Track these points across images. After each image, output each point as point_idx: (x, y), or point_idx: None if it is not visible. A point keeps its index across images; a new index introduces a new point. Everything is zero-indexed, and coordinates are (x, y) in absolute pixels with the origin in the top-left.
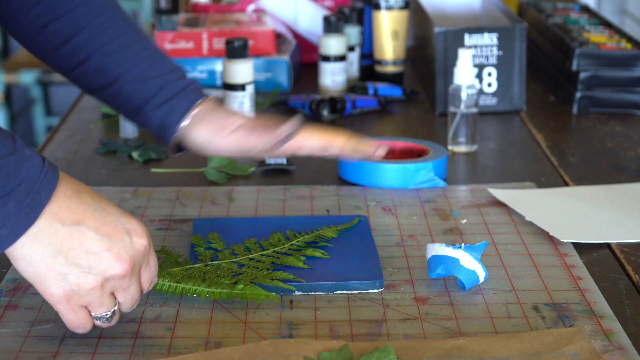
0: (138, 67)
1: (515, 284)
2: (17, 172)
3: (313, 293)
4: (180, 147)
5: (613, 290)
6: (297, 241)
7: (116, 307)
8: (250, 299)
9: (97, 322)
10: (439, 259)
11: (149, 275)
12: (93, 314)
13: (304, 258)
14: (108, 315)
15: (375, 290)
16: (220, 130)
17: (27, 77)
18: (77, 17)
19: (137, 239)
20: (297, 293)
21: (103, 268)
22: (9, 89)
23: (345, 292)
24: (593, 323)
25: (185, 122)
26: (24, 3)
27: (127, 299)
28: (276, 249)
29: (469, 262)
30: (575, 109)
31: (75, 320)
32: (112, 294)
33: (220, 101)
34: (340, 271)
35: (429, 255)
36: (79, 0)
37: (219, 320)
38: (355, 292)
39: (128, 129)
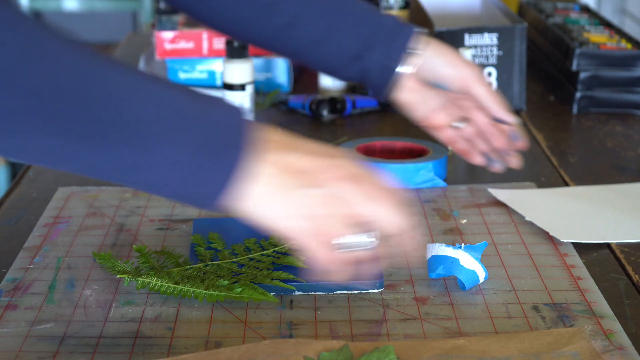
0: (347, 15)
1: (515, 284)
2: (226, 121)
3: (313, 293)
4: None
5: (613, 290)
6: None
7: (369, 233)
8: (248, 300)
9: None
10: (438, 259)
11: (368, 182)
12: (346, 239)
13: (304, 258)
14: (361, 238)
15: (375, 290)
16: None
17: None
18: None
19: (344, 158)
20: (297, 293)
21: (333, 180)
22: None
23: (345, 292)
24: (593, 323)
25: (405, 63)
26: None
27: (376, 205)
28: (276, 248)
29: (469, 262)
30: (575, 109)
31: (326, 254)
32: (354, 214)
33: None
34: None
35: (429, 256)
36: None
37: (219, 320)
38: (355, 292)
39: None
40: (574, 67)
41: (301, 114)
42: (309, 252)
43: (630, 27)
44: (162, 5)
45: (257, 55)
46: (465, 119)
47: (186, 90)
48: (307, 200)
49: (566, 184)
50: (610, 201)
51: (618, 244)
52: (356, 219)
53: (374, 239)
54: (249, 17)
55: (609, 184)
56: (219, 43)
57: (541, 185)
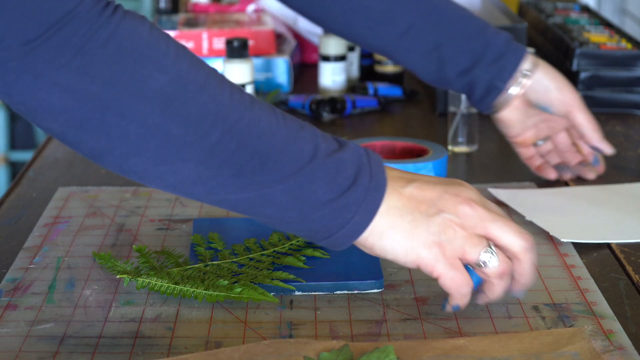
0: (457, 27)
1: None
2: (354, 160)
3: (313, 293)
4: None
5: (613, 290)
6: (297, 241)
7: (492, 247)
8: (248, 301)
9: (482, 270)
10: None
11: (490, 206)
12: (474, 260)
13: (304, 258)
14: (488, 257)
15: (375, 290)
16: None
17: None
18: None
19: (460, 185)
20: (297, 293)
21: (452, 205)
22: None
23: (345, 292)
24: (593, 323)
25: (513, 84)
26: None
27: (499, 226)
28: (276, 248)
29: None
30: None
31: (458, 277)
32: (478, 236)
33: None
34: (340, 271)
35: None
36: None
37: (219, 320)
38: (355, 292)
39: None
40: (574, 67)
41: (301, 114)
42: (440, 279)
43: (630, 27)
44: (162, 5)
45: (257, 55)
46: (547, 137)
47: (312, 129)
48: (431, 229)
49: (566, 184)
50: (610, 201)
51: (618, 244)
52: (480, 241)
53: (497, 258)
54: (366, 25)
55: (609, 184)
56: (219, 43)
57: (541, 185)
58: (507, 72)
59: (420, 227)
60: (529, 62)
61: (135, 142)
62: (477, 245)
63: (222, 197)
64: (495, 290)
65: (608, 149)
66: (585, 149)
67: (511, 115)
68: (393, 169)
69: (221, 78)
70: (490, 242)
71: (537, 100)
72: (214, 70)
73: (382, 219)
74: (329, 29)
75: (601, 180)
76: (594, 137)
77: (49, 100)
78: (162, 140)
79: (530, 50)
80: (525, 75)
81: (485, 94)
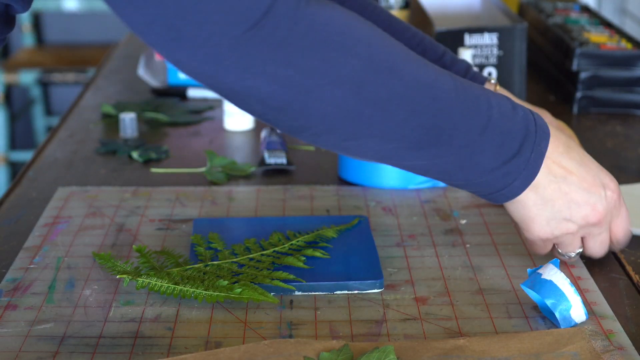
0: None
1: (515, 284)
2: (520, 131)
3: (313, 293)
4: None
5: (613, 290)
6: (297, 241)
7: (580, 250)
8: (248, 301)
9: (558, 255)
10: (552, 289)
11: (621, 225)
12: (559, 250)
13: (304, 258)
14: (572, 255)
15: (375, 290)
16: None
17: (27, 77)
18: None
19: (610, 193)
20: (297, 293)
21: (581, 216)
22: (9, 89)
23: (345, 292)
24: (593, 323)
25: None
26: None
27: (596, 244)
28: (276, 249)
29: (577, 309)
30: (575, 109)
31: (542, 249)
32: (582, 238)
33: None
34: (340, 271)
35: (546, 275)
36: None
37: (219, 320)
38: (355, 292)
39: (128, 129)
40: (574, 67)
41: None
42: (529, 245)
43: (630, 27)
44: None
45: None
46: None
47: (487, 96)
48: (553, 223)
49: None
50: None
51: None
52: (576, 245)
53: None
54: None
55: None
56: None
57: None
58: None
59: (546, 214)
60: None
61: (330, 122)
62: (571, 246)
63: (396, 162)
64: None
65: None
66: None
67: None
68: (573, 152)
69: (406, 54)
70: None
71: None
72: (399, 47)
73: (525, 192)
74: None
75: None
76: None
77: (256, 87)
78: (353, 120)
79: (491, 80)
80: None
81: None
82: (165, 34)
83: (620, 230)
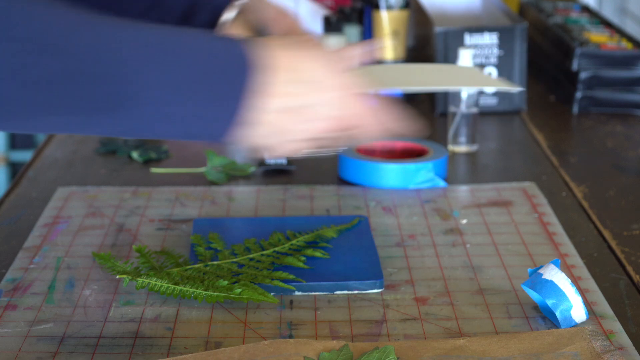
0: None
1: (515, 284)
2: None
3: (313, 293)
4: None
5: (613, 290)
6: (297, 241)
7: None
8: (248, 301)
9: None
10: (553, 289)
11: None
12: None
13: (304, 258)
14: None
15: (375, 290)
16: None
17: None
18: None
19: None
20: (297, 293)
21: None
22: None
23: (345, 292)
24: (593, 323)
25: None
26: None
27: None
28: (276, 249)
29: (578, 309)
30: (575, 109)
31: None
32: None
33: None
34: (340, 271)
35: (546, 275)
36: None
37: (219, 320)
38: (355, 292)
39: None
40: (575, 67)
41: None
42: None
43: (630, 27)
44: None
45: None
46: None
47: (180, 31)
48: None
49: (566, 184)
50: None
51: (618, 244)
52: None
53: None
54: None
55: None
56: None
57: (541, 185)
58: (220, 7)
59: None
60: None
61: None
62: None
63: (78, 131)
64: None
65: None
66: None
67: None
68: (281, 49)
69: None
70: None
71: (257, 21)
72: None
73: (262, 114)
74: None
75: (601, 180)
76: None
77: None
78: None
79: None
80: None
81: (209, 16)
82: None
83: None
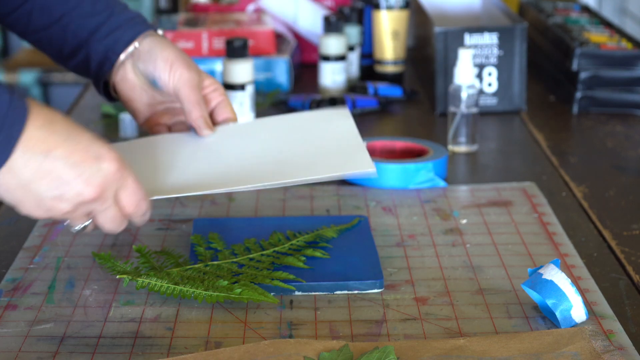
0: (84, 3)
1: (515, 284)
2: None
3: (313, 293)
4: (109, 93)
5: (613, 290)
6: (297, 241)
7: (88, 222)
8: (248, 301)
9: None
10: (553, 289)
11: (129, 198)
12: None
13: (304, 258)
14: (78, 229)
15: (375, 290)
16: (166, 70)
17: (27, 77)
18: None
19: (107, 164)
20: (297, 293)
21: (74, 194)
22: None
23: (345, 292)
24: (593, 323)
25: (125, 54)
26: None
27: (107, 221)
28: (276, 249)
29: (578, 309)
30: (575, 109)
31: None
32: (89, 214)
33: (162, 35)
34: (340, 271)
35: (547, 275)
36: None
37: (219, 320)
38: (355, 292)
39: (128, 129)
40: (575, 67)
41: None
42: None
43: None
44: (162, 5)
45: (257, 55)
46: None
47: None
48: (45, 203)
49: (566, 184)
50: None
51: (618, 245)
52: (80, 219)
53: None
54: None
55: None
56: (219, 43)
57: (541, 185)
58: (120, 44)
59: (33, 196)
60: (149, 37)
61: None
62: (79, 220)
63: None
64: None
65: (203, 131)
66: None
67: (132, 95)
68: (56, 124)
69: None
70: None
71: (145, 70)
72: None
73: (1, 174)
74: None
75: (601, 180)
76: (189, 115)
77: None
78: None
79: (160, 31)
80: (135, 48)
81: (99, 68)
82: None
83: (130, 203)
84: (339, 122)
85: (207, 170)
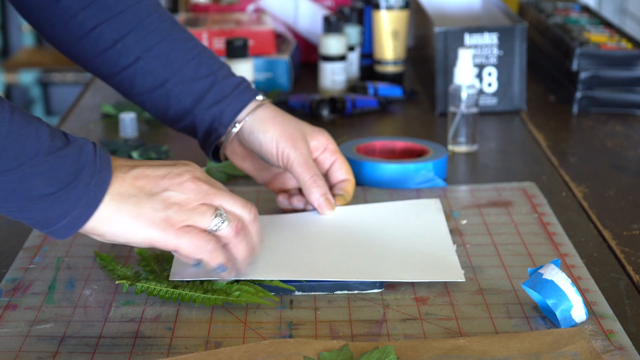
0: (187, 67)
1: (515, 284)
2: (78, 158)
3: (313, 293)
4: (217, 154)
5: (613, 290)
6: None
7: (221, 211)
8: (246, 304)
9: (218, 234)
10: (553, 289)
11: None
12: (207, 226)
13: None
14: (218, 221)
15: (375, 290)
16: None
17: (27, 77)
18: (126, 19)
19: (184, 165)
20: (297, 293)
21: (176, 183)
22: (9, 89)
23: (345, 292)
24: (593, 323)
25: (230, 134)
26: (71, 7)
27: (223, 197)
28: None
29: (578, 309)
30: (575, 109)
31: (193, 240)
32: (206, 205)
33: (266, 102)
34: None
35: (547, 274)
36: (129, 2)
37: (219, 320)
38: (355, 292)
39: (128, 129)
40: (574, 67)
41: (301, 113)
42: (179, 251)
43: (630, 27)
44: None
45: (257, 55)
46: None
47: (40, 125)
48: (155, 205)
49: (566, 184)
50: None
51: (618, 244)
52: (207, 208)
53: (228, 219)
54: (94, 52)
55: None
56: (219, 43)
57: (541, 185)
58: (226, 116)
59: (144, 206)
60: (252, 116)
61: None
62: (206, 212)
63: None
64: (239, 249)
65: (324, 210)
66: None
67: (245, 165)
68: (121, 159)
69: None
70: (220, 208)
71: (253, 150)
72: None
73: (106, 207)
74: (63, 53)
75: (601, 180)
76: (309, 195)
77: None
78: None
79: (260, 97)
80: (238, 122)
81: (206, 136)
82: None
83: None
84: (430, 217)
85: (300, 258)
